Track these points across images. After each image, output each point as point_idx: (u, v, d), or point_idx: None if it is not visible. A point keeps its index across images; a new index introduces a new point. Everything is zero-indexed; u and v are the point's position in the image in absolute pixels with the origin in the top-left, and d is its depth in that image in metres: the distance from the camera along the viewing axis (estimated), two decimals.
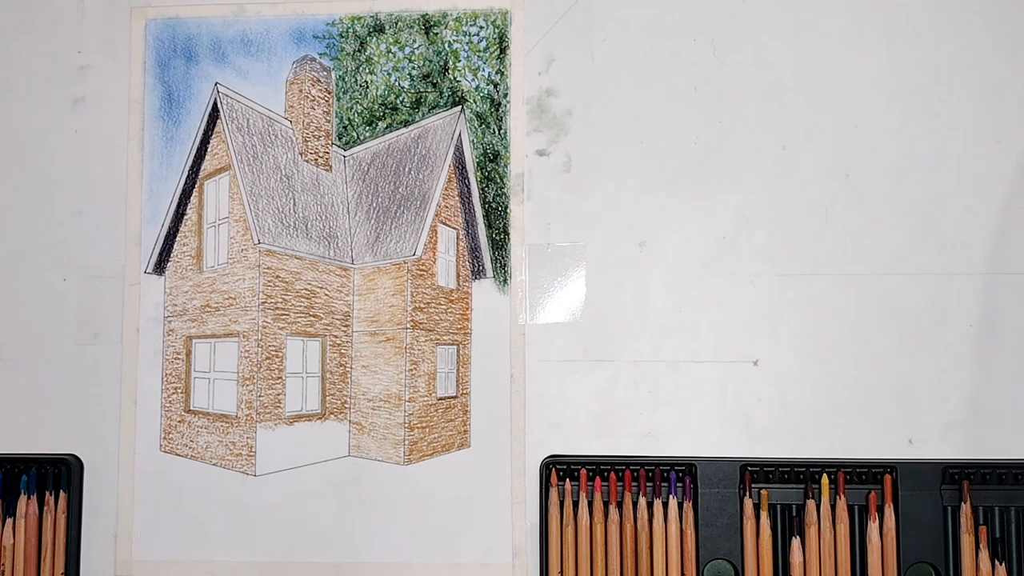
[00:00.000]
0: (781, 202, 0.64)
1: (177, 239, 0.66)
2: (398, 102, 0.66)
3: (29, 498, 0.63)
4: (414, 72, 0.66)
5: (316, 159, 0.66)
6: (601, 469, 0.62)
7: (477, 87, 0.65)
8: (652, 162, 0.64)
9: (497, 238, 0.64)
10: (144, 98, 0.67)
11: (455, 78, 0.65)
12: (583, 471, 0.62)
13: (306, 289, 0.65)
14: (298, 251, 0.65)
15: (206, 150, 0.66)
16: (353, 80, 0.66)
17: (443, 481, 0.63)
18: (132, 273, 0.65)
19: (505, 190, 0.65)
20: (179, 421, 0.64)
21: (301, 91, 0.66)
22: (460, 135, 0.65)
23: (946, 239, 0.63)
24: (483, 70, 0.65)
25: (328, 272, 0.65)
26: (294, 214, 0.65)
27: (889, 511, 0.60)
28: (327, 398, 0.64)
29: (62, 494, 0.63)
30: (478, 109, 0.65)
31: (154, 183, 0.66)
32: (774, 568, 0.60)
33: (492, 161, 0.65)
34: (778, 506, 0.61)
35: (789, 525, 0.61)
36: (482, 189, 0.65)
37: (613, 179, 0.64)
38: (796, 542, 0.60)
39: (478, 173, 0.65)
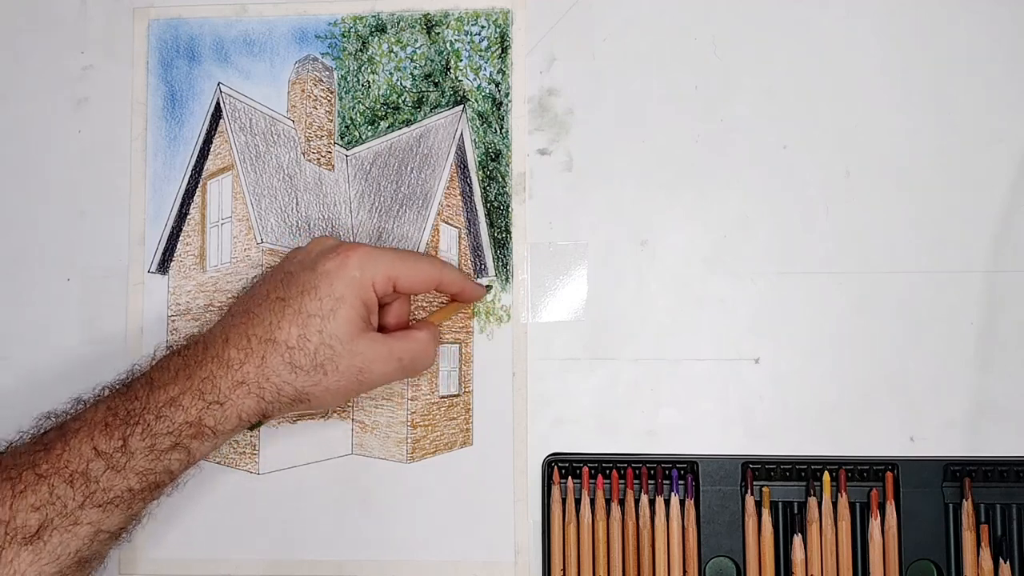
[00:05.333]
0: (782, 200, 0.64)
1: (180, 239, 0.66)
2: (400, 101, 0.66)
3: None
4: (416, 71, 0.66)
5: (318, 158, 0.66)
6: (603, 467, 0.62)
7: (479, 86, 0.66)
8: (653, 161, 0.65)
9: (499, 237, 0.65)
10: (147, 98, 0.67)
11: (457, 77, 0.66)
12: (585, 469, 0.62)
13: None
14: None
15: (209, 150, 0.66)
16: (355, 80, 0.66)
17: (445, 479, 0.63)
18: (136, 273, 0.66)
19: (507, 189, 0.65)
20: None
21: (303, 91, 0.66)
22: (462, 134, 0.65)
23: (947, 237, 0.63)
24: (485, 69, 0.66)
25: None
26: (297, 213, 0.66)
27: (890, 508, 0.60)
28: None
29: None
30: (480, 108, 0.65)
31: (157, 183, 0.66)
32: (776, 565, 0.61)
33: (494, 160, 0.65)
34: (780, 503, 0.62)
35: (791, 522, 0.61)
36: (484, 188, 0.65)
37: (614, 178, 0.65)
38: (798, 539, 0.61)
39: (480, 172, 0.65)
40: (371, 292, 0.56)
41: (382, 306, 0.59)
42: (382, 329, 0.59)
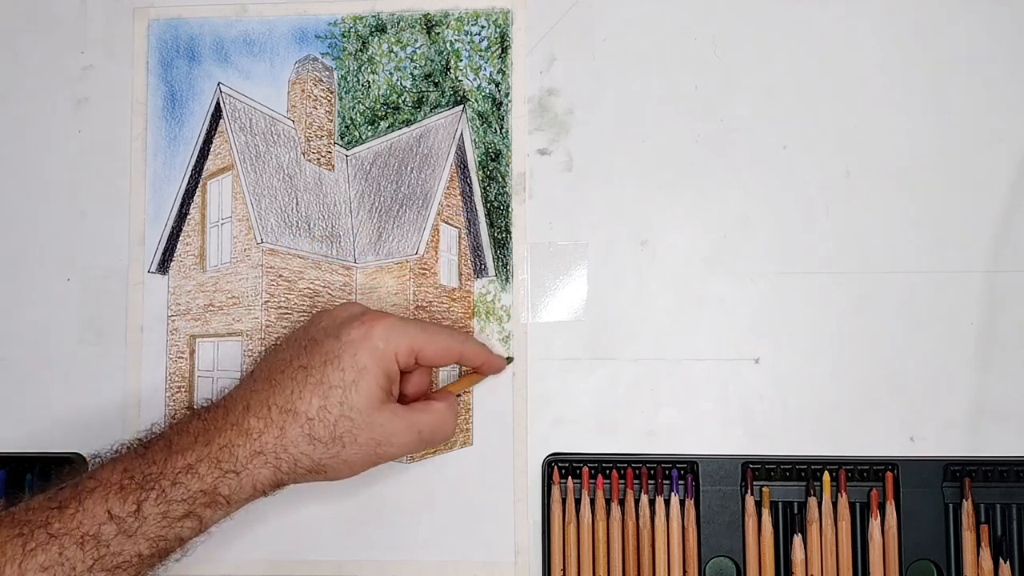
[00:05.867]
0: (782, 200, 0.64)
1: (180, 239, 0.66)
2: (400, 101, 0.66)
3: None
4: (416, 72, 0.66)
5: (318, 158, 0.66)
6: (603, 467, 0.62)
7: (479, 86, 0.66)
8: (653, 161, 0.65)
9: (499, 237, 0.65)
10: (147, 98, 0.67)
11: (457, 77, 0.66)
12: (585, 469, 0.62)
13: (309, 288, 0.65)
14: (301, 250, 0.65)
15: (209, 150, 0.66)
16: (355, 80, 0.66)
17: (446, 479, 0.63)
18: (136, 273, 0.66)
19: (507, 189, 0.65)
20: None
21: (303, 91, 0.66)
22: (462, 134, 0.65)
23: (947, 237, 0.63)
24: (485, 69, 0.66)
25: (331, 271, 0.65)
26: (297, 213, 0.66)
27: (890, 508, 0.60)
28: None
29: None
30: (480, 108, 0.65)
31: (157, 183, 0.66)
32: (776, 565, 0.61)
33: (494, 160, 0.65)
34: (780, 503, 0.62)
35: (791, 522, 0.61)
36: (484, 188, 0.65)
37: (614, 178, 0.65)
38: (798, 539, 0.61)
39: (480, 172, 0.65)
40: (394, 364, 0.56)
41: (404, 375, 0.59)
42: (402, 398, 0.59)
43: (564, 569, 0.61)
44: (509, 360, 0.63)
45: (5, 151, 0.67)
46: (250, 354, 0.65)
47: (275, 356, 0.57)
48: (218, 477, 0.53)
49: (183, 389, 0.65)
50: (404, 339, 0.56)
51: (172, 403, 0.65)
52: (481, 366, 0.61)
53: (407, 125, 0.66)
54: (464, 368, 0.63)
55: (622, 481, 0.62)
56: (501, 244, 0.65)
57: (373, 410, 0.54)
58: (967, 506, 0.60)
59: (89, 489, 0.52)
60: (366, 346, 0.55)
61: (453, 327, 0.64)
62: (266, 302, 0.65)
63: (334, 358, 0.54)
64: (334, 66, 0.66)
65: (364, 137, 0.66)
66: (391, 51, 0.66)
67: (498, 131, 0.65)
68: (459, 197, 0.65)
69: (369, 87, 0.66)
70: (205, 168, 0.66)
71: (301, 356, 0.55)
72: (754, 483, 0.61)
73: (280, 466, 0.54)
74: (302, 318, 0.65)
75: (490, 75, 0.66)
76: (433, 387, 0.63)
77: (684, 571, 0.61)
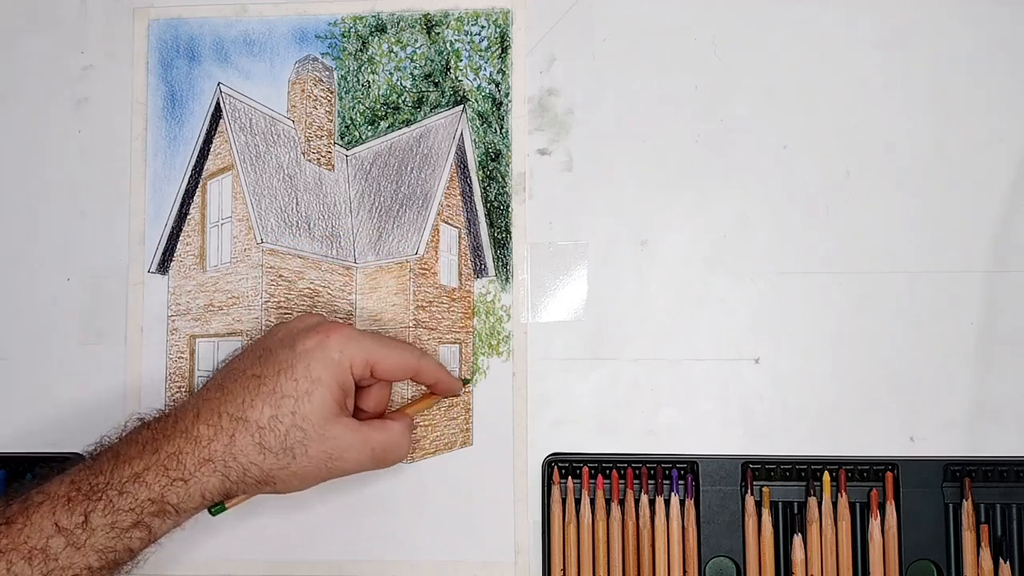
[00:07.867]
0: (782, 200, 0.64)
1: (180, 239, 0.66)
2: (400, 101, 0.66)
3: None
4: (416, 71, 0.66)
5: (318, 158, 0.66)
6: (603, 467, 0.62)
7: (479, 86, 0.66)
8: (653, 161, 0.65)
9: (499, 237, 0.65)
10: (147, 98, 0.67)
11: (457, 77, 0.66)
12: (585, 469, 0.62)
13: (309, 288, 0.65)
14: (301, 250, 0.65)
15: (209, 150, 0.66)
16: (355, 80, 0.66)
17: (445, 479, 0.63)
18: (136, 273, 0.66)
19: (507, 189, 0.65)
20: None
21: (303, 91, 0.66)
22: (462, 134, 0.65)
23: (947, 237, 0.63)
24: (485, 69, 0.66)
25: (331, 271, 0.65)
26: (297, 213, 0.66)
27: (891, 508, 0.60)
28: None
29: None
30: (480, 108, 0.65)
31: (157, 183, 0.66)
32: (776, 565, 0.61)
33: (494, 160, 0.65)
34: (780, 503, 0.62)
35: (791, 522, 0.61)
36: (484, 188, 0.65)
37: (614, 178, 0.65)
38: (798, 539, 0.61)
39: (480, 172, 0.65)
40: (349, 375, 0.55)
41: (362, 389, 0.58)
42: (360, 414, 0.58)
43: (564, 569, 0.61)
44: (466, 382, 0.63)
45: (5, 151, 0.67)
46: None
47: (229, 367, 0.57)
48: (166, 485, 0.52)
49: (183, 389, 0.65)
50: (360, 350, 0.55)
51: (172, 403, 0.64)
52: (436, 384, 0.60)
53: (407, 125, 0.66)
54: (422, 389, 0.62)
55: (622, 481, 0.62)
56: (501, 244, 0.65)
57: (326, 422, 0.54)
58: (967, 506, 0.60)
59: (37, 503, 0.51)
60: (320, 356, 0.54)
61: (411, 343, 0.63)
62: (266, 302, 0.65)
63: (288, 368, 0.54)
64: (334, 66, 0.66)
65: (364, 137, 0.66)
66: (391, 51, 0.66)
67: (498, 131, 0.65)
68: (459, 197, 0.65)
69: (369, 87, 0.66)
70: (205, 168, 0.66)
71: (255, 366, 0.55)
72: (754, 483, 0.61)
73: (229, 475, 0.53)
74: None
75: (490, 75, 0.66)
76: (390, 408, 0.62)
77: (684, 571, 0.61)
